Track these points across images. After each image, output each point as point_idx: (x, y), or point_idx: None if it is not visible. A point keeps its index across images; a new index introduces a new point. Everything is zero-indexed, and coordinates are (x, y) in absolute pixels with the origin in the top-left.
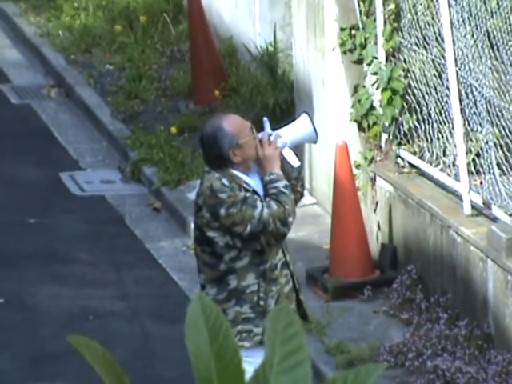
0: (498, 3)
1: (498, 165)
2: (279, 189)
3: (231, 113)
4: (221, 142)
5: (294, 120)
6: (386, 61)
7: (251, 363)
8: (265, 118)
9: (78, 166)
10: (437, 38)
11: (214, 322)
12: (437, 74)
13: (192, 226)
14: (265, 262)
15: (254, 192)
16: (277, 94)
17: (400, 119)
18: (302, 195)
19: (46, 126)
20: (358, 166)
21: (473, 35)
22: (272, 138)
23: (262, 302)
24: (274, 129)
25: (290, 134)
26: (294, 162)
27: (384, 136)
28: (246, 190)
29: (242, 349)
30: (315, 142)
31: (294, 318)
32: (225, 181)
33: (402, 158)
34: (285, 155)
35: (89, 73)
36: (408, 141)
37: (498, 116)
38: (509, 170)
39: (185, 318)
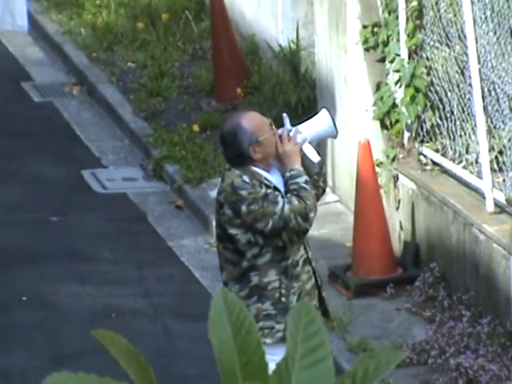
0: None
1: None
2: (300, 184)
3: (250, 110)
4: (240, 140)
5: (313, 116)
6: (409, 58)
7: (273, 360)
8: (284, 114)
9: (100, 164)
10: (459, 36)
11: (237, 317)
12: (459, 71)
13: (214, 223)
14: (286, 259)
15: (275, 188)
16: (299, 92)
17: (423, 117)
18: (324, 190)
19: (68, 123)
20: (380, 164)
21: (495, 32)
22: (292, 134)
23: (283, 299)
24: (293, 125)
25: (309, 129)
26: (315, 157)
27: (406, 134)
28: (267, 187)
29: (264, 345)
30: (335, 137)
31: (316, 315)
32: (246, 178)
33: (425, 156)
34: (305, 151)
35: (111, 71)
36: (431, 138)
37: None
38: None
39: (207, 315)
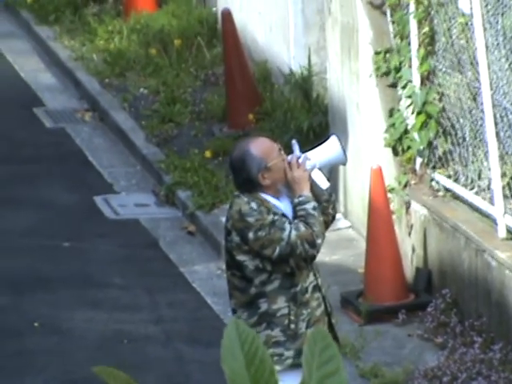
0: None
1: None
2: (307, 211)
3: (260, 135)
4: (249, 166)
5: (323, 142)
6: (421, 84)
7: None
8: (294, 141)
9: (113, 190)
10: (471, 62)
11: (249, 346)
12: (471, 97)
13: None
14: (295, 285)
15: (283, 215)
16: (311, 118)
17: (435, 143)
18: (333, 217)
19: (80, 149)
20: (392, 190)
21: (507, 59)
22: (301, 161)
23: (292, 326)
24: (303, 151)
25: (318, 156)
26: (324, 183)
27: (419, 160)
28: (275, 214)
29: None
30: (344, 164)
31: (331, 342)
32: (253, 204)
33: (437, 182)
34: (314, 177)
35: (123, 96)
36: (443, 164)
37: None
38: None
39: (219, 341)
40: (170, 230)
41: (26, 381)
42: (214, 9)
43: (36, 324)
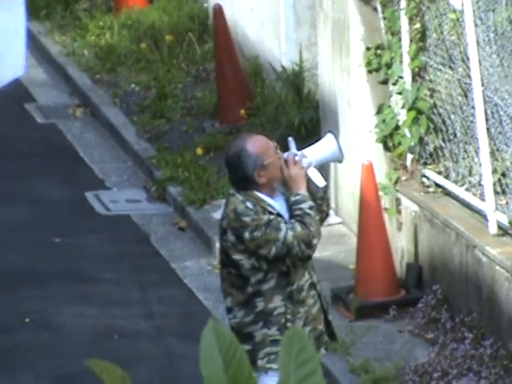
0: None
1: None
2: (304, 210)
3: (256, 133)
4: (245, 164)
5: (319, 139)
6: (412, 80)
7: None
8: (290, 138)
9: (104, 186)
10: (462, 58)
11: (227, 349)
12: (462, 93)
13: (217, 245)
14: (291, 284)
15: (279, 215)
16: (302, 114)
17: (425, 139)
18: (327, 215)
19: (71, 145)
20: (383, 186)
21: (499, 55)
22: (297, 158)
23: (289, 324)
24: (299, 148)
25: (315, 153)
26: (320, 181)
27: (409, 156)
28: (270, 213)
29: (270, 371)
30: (340, 162)
31: (308, 343)
32: (249, 204)
33: (428, 178)
34: (310, 175)
35: (114, 92)
36: (433, 160)
37: None
38: None
39: None
40: (161, 225)
41: (16, 376)
42: (206, 4)
43: (27, 320)
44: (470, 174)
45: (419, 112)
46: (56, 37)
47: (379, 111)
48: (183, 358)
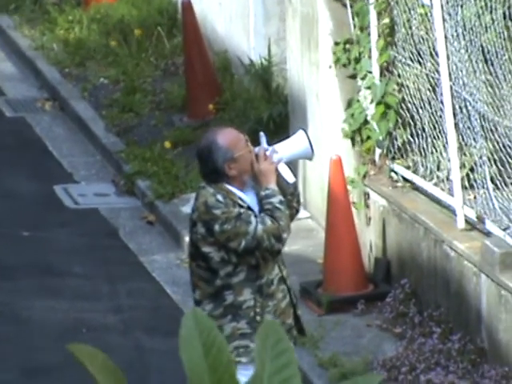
0: (492, 18)
1: (492, 179)
2: (274, 204)
3: (226, 126)
4: (215, 156)
5: (290, 135)
6: (380, 75)
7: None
8: (261, 133)
9: (72, 179)
10: (431, 53)
11: (207, 336)
12: (431, 88)
13: (186, 239)
14: (261, 278)
15: (249, 208)
16: (271, 108)
17: (394, 133)
18: (297, 211)
19: (40, 139)
20: (351, 181)
21: (467, 50)
22: (268, 153)
23: (258, 318)
24: (270, 144)
25: (286, 149)
26: (290, 177)
27: (378, 150)
28: (241, 206)
29: (239, 364)
30: (311, 159)
31: (283, 334)
32: (219, 197)
33: (396, 173)
34: (280, 171)
35: (83, 86)
36: (402, 155)
37: (491, 130)
38: (502, 184)
39: (178, 330)
40: (129, 219)
41: None
42: None
43: None
44: (439, 168)
45: (388, 107)
46: (25, 30)
47: (348, 106)
48: (151, 352)
